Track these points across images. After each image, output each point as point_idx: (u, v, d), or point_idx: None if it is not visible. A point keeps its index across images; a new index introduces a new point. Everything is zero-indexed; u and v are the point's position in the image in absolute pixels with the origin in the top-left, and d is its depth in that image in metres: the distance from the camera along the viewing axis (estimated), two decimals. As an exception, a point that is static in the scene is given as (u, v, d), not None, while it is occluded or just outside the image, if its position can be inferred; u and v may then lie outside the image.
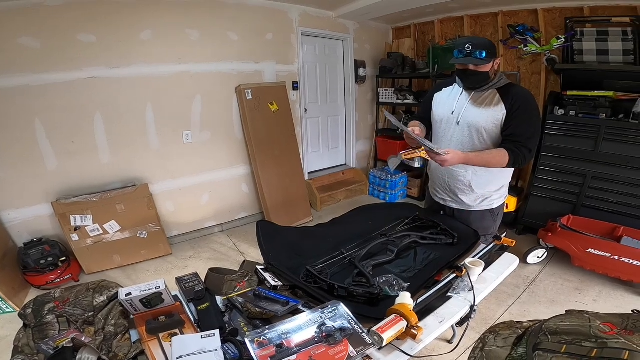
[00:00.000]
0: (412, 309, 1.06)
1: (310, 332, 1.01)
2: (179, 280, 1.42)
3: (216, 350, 0.97)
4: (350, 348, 0.96)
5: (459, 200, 1.76)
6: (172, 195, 3.32)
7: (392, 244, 1.52)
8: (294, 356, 0.92)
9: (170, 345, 1.02)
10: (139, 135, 3.05)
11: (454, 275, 1.32)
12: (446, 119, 1.67)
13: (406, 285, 1.25)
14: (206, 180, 3.47)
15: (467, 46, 1.46)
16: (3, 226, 2.71)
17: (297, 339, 0.98)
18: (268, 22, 3.52)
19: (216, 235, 3.57)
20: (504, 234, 1.67)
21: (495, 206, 1.75)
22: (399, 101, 4.35)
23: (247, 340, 0.96)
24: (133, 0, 2.80)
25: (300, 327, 1.03)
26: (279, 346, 0.95)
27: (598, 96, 2.84)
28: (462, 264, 1.36)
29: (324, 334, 1.00)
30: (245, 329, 1.13)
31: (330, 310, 1.09)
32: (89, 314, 1.19)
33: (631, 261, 2.37)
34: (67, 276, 2.76)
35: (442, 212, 1.88)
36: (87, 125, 2.83)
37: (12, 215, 2.74)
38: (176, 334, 1.10)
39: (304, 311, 1.17)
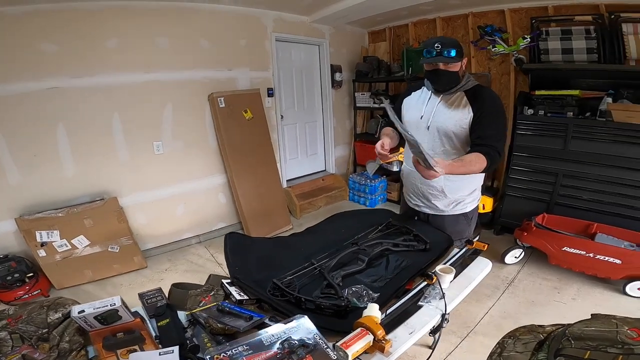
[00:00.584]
0: (379, 321, 1.01)
1: (273, 348, 0.95)
2: (141, 296, 1.36)
3: None
4: (314, 365, 0.91)
5: (432, 205, 1.74)
6: (144, 208, 3.20)
7: (363, 252, 1.47)
8: None
9: (128, 361, 0.97)
10: (106, 147, 2.93)
11: (425, 283, 1.28)
12: (415, 124, 1.65)
13: (376, 295, 1.20)
14: (180, 191, 3.37)
15: (436, 45, 1.45)
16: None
17: (259, 355, 0.92)
18: (241, 28, 3.46)
19: (194, 247, 3.46)
20: (477, 237, 1.65)
21: (468, 210, 1.74)
22: (376, 105, 4.34)
23: (206, 357, 0.90)
24: (98, 7, 2.71)
25: (263, 342, 0.96)
26: None
27: (565, 95, 2.88)
28: (432, 271, 1.32)
29: (287, 350, 0.94)
30: (209, 344, 1.07)
31: (295, 324, 1.04)
32: (43, 331, 1.14)
33: (606, 258, 2.38)
34: (36, 292, 2.64)
35: (416, 218, 1.86)
36: (49, 137, 2.71)
37: (-27, 232, 2.59)
38: (135, 350, 1.05)
39: (270, 325, 1.12)
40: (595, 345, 0.53)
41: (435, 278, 1.26)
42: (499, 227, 3.38)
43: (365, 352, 0.98)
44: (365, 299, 1.19)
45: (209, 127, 3.40)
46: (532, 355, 0.60)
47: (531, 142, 3.01)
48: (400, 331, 1.10)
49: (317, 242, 1.67)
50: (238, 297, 1.25)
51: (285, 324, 1.03)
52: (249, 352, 0.92)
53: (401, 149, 2.08)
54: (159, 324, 1.15)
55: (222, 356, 0.89)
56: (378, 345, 0.98)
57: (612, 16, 2.72)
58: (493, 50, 3.51)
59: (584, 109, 2.82)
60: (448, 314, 1.18)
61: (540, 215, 2.88)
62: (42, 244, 2.65)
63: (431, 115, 1.59)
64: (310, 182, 4.44)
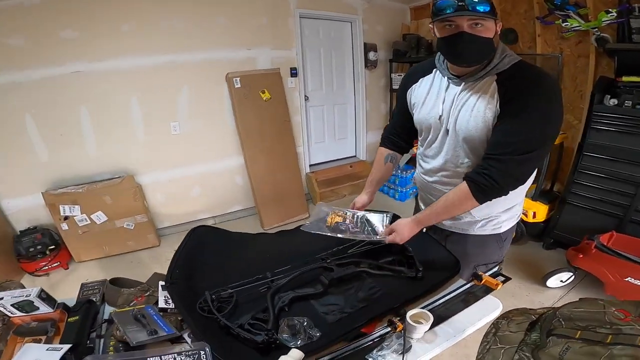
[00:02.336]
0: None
1: None
2: (82, 286, 1.29)
3: None
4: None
5: (453, 222, 1.29)
6: (161, 187, 3.20)
7: (327, 272, 1.16)
8: None
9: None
10: (125, 127, 2.95)
11: (389, 329, 0.94)
12: (433, 127, 1.15)
13: (317, 335, 0.92)
14: (197, 171, 3.31)
15: None
16: (2, 214, 2.76)
17: None
18: (262, 4, 3.20)
19: (208, 228, 3.43)
20: (495, 268, 1.20)
21: (502, 230, 1.26)
22: (415, 87, 3.85)
23: None
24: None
25: None
26: None
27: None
28: (401, 314, 0.95)
29: None
30: (111, 349, 0.96)
31: (190, 353, 0.83)
32: None
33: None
34: (56, 264, 2.78)
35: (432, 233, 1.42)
36: (74, 118, 2.80)
37: (12, 204, 2.79)
38: (40, 341, 1.04)
39: (186, 342, 0.98)
40: (585, 325, 0.55)
41: (400, 326, 0.91)
42: (551, 240, 2.76)
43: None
44: (301, 337, 0.92)
45: (226, 108, 3.26)
46: (525, 335, 0.61)
47: (610, 140, 2.32)
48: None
49: (287, 250, 1.41)
50: (162, 304, 1.08)
51: (178, 352, 0.84)
52: None
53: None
54: (68, 319, 1.07)
55: None
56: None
57: None
58: (564, 25, 2.79)
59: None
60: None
61: (607, 234, 2.21)
62: (65, 218, 2.75)
63: (449, 116, 1.08)
64: (336, 168, 4.14)
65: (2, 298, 1.04)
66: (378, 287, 1.12)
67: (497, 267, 1.22)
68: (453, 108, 1.07)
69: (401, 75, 3.95)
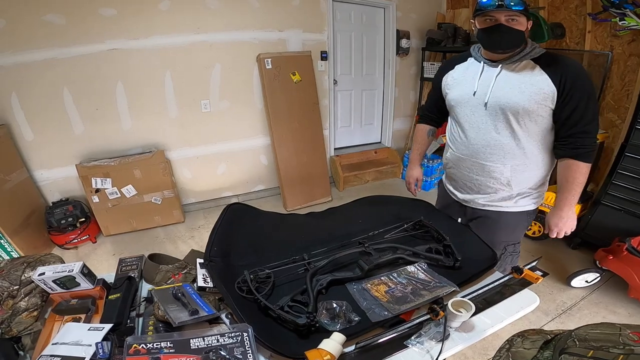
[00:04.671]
0: (330, 358, 0.74)
1: (198, 354, 0.78)
2: (120, 262, 1.25)
3: (90, 345, 0.82)
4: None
5: (489, 200, 1.37)
6: (189, 163, 3.23)
7: (366, 257, 1.13)
8: None
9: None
10: (158, 103, 2.97)
11: (428, 317, 0.91)
12: (467, 103, 1.30)
13: (356, 320, 0.90)
14: (224, 149, 3.32)
15: None
16: (34, 185, 2.82)
17: (178, 357, 0.77)
18: (294, -14, 3.12)
19: (232, 207, 3.47)
20: (535, 262, 1.15)
21: (532, 208, 1.37)
22: (447, 76, 3.70)
23: (127, 342, 0.79)
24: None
25: (190, 345, 0.80)
26: (155, 359, 0.76)
27: None
28: (444, 304, 0.92)
29: None
30: (150, 330, 0.93)
31: (233, 335, 0.83)
32: (14, 288, 1.07)
33: None
34: (85, 237, 2.81)
35: (461, 217, 1.49)
36: (109, 93, 2.83)
37: (45, 175, 2.85)
38: (79, 320, 0.98)
39: (225, 323, 0.95)
40: (599, 346, 0.54)
41: (442, 314, 0.88)
42: (579, 240, 2.66)
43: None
44: (341, 321, 0.91)
45: (256, 89, 3.22)
46: (538, 352, 0.61)
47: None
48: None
49: (320, 232, 1.39)
50: (201, 283, 1.06)
51: (221, 333, 0.83)
52: (170, 350, 0.78)
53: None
54: (109, 297, 1.03)
55: (141, 347, 0.79)
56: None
57: None
58: (621, 23, 2.61)
59: None
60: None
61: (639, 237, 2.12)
62: (97, 190, 2.80)
63: (489, 90, 1.22)
64: (360, 153, 4.07)
65: (43, 273, 1.01)
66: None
67: (534, 262, 1.17)
68: (494, 86, 1.21)
69: (434, 64, 3.85)
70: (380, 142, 4.35)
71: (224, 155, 3.35)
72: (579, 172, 1.19)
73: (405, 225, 1.35)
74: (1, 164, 2.49)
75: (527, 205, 1.35)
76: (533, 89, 1.15)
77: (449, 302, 0.89)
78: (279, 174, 3.33)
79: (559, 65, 1.14)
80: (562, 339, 0.61)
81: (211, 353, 0.78)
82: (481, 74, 1.26)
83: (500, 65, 1.21)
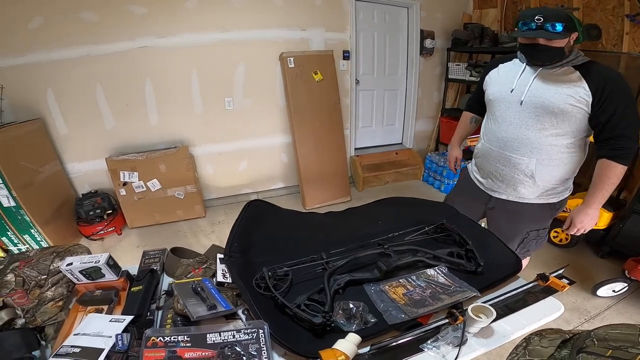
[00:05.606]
0: (344, 359, 0.73)
1: (213, 348, 0.78)
2: (143, 254, 1.27)
3: (110, 337, 0.83)
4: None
5: (514, 191, 1.46)
6: (212, 159, 3.29)
7: (385, 258, 1.11)
8: None
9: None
10: (184, 100, 3.04)
11: (445, 321, 0.88)
12: (504, 99, 1.38)
13: (372, 321, 0.88)
14: (245, 146, 3.37)
15: (537, 18, 1.16)
16: (66, 177, 2.95)
17: (194, 351, 0.77)
18: (316, -15, 3.11)
19: (251, 204, 3.50)
20: (561, 270, 1.10)
21: (556, 200, 1.44)
22: (473, 78, 3.59)
23: (145, 334, 0.80)
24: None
25: (206, 340, 0.80)
26: (172, 352, 0.76)
27: None
28: (463, 308, 0.89)
29: (222, 357, 0.76)
30: (169, 322, 0.93)
31: (249, 331, 0.83)
32: (42, 277, 1.10)
33: None
34: (111, 229, 2.90)
35: (484, 205, 1.57)
36: (139, 90, 2.92)
37: (76, 167, 2.98)
38: (101, 310, 1.00)
39: (241, 319, 0.95)
40: (618, 345, 0.54)
41: (460, 319, 0.85)
42: (607, 249, 2.53)
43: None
44: (357, 322, 0.89)
45: (278, 87, 3.24)
46: (555, 351, 0.60)
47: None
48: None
49: (340, 231, 1.38)
50: (220, 279, 1.06)
51: (237, 329, 0.83)
52: (187, 344, 0.79)
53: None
54: (131, 289, 1.05)
55: (159, 340, 0.80)
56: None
57: None
58: None
59: None
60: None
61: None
62: (124, 184, 2.90)
63: (527, 89, 1.30)
64: (381, 153, 4.02)
65: (71, 263, 1.03)
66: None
67: (561, 270, 1.12)
68: (532, 85, 1.29)
69: (459, 65, 3.78)
70: (401, 143, 4.28)
71: (246, 152, 3.39)
72: (613, 172, 1.24)
73: (427, 228, 1.31)
74: (36, 156, 2.61)
75: (549, 198, 1.42)
76: (569, 92, 1.21)
77: (469, 307, 0.86)
78: (299, 172, 3.33)
79: (598, 74, 1.18)
80: (580, 338, 0.60)
81: (227, 348, 0.78)
82: (521, 74, 1.33)
83: (540, 68, 1.27)
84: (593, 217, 1.33)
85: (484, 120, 1.57)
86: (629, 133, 1.20)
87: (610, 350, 0.53)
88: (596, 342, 0.57)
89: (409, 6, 3.61)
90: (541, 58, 1.25)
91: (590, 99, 1.19)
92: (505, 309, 0.97)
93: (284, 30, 3.11)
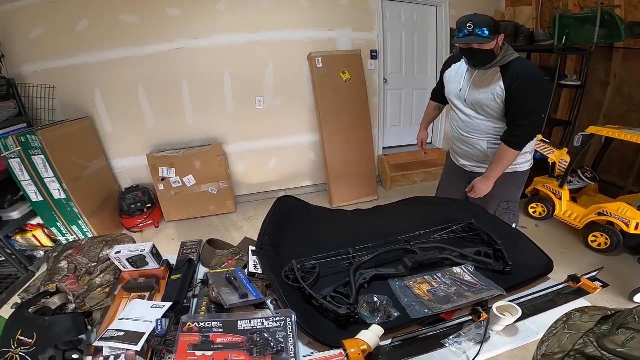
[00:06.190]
0: (370, 349, 0.75)
1: (243, 335, 0.82)
2: (182, 245, 1.37)
3: (151, 321, 0.88)
4: (268, 368, 0.73)
5: (476, 164, 1.73)
6: (243, 156, 3.39)
7: (411, 255, 1.11)
8: (211, 352, 0.78)
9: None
10: (217, 99, 3.15)
11: (469, 318, 0.88)
12: (456, 97, 1.66)
13: (395, 315, 0.90)
14: (275, 144, 3.43)
15: (468, 25, 1.39)
16: (111, 172, 3.15)
17: (226, 336, 0.82)
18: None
19: (279, 200, 3.56)
20: (595, 273, 1.07)
21: (519, 170, 1.67)
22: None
23: (182, 320, 0.86)
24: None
25: (237, 327, 0.84)
26: (205, 337, 0.81)
27: None
28: (488, 306, 0.88)
29: (252, 342, 0.80)
30: (203, 310, 0.99)
31: (277, 320, 0.87)
32: (92, 265, 1.19)
33: None
34: (150, 222, 3.06)
35: (464, 180, 1.77)
36: (176, 90, 3.06)
37: (120, 163, 3.17)
38: (144, 297, 1.07)
39: (269, 308, 0.99)
40: None
41: (484, 316, 0.85)
42: (648, 255, 2.39)
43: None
44: (380, 314, 0.91)
45: (307, 87, 3.28)
46: (595, 326, 0.60)
47: None
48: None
49: (368, 228, 1.39)
50: (251, 269, 1.12)
51: (266, 317, 0.87)
52: (219, 330, 0.84)
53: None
54: (171, 277, 1.12)
55: (194, 325, 0.84)
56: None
57: None
58: None
59: None
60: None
61: None
62: (163, 179, 3.05)
63: (467, 90, 1.58)
64: (409, 153, 3.96)
65: (120, 251, 1.09)
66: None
67: (595, 272, 1.08)
68: (470, 87, 1.57)
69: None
70: (430, 143, 4.20)
71: (275, 150, 3.46)
72: (506, 154, 1.51)
73: (455, 227, 1.30)
74: (84, 152, 2.80)
75: (512, 169, 1.63)
76: (492, 90, 1.48)
77: (494, 305, 0.85)
78: (327, 170, 3.36)
79: (513, 73, 1.42)
80: (622, 315, 0.60)
81: (255, 335, 0.82)
82: (465, 75, 1.60)
83: (476, 71, 1.54)
84: (488, 187, 1.60)
85: (449, 110, 1.82)
86: (525, 124, 1.44)
87: None
88: (637, 319, 0.56)
89: (438, 5, 3.54)
90: (477, 60, 1.48)
91: (503, 94, 1.45)
92: (532, 309, 0.95)
93: (311, 31, 3.14)
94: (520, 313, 0.84)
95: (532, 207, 2.95)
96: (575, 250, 2.53)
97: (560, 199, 2.72)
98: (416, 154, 3.98)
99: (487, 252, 1.16)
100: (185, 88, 3.05)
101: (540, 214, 2.90)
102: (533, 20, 3.56)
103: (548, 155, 2.81)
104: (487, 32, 1.37)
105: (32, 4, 2.60)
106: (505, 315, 0.83)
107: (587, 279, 1.03)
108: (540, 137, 2.78)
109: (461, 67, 1.64)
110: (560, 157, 2.77)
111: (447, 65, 1.75)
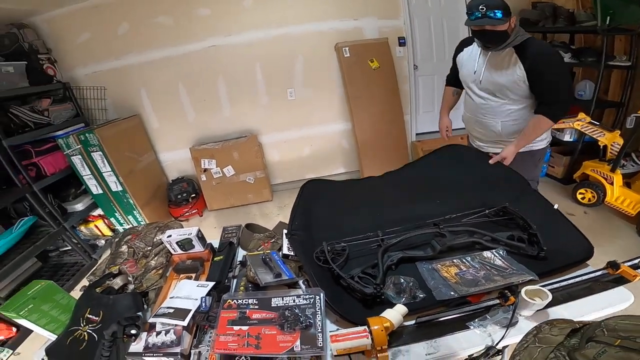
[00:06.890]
0: (394, 326, 0.77)
1: (276, 311, 0.88)
2: (223, 230, 1.46)
3: (196, 299, 0.96)
4: (298, 343, 0.79)
5: (491, 144, 1.76)
6: (277, 146, 3.47)
7: (439, 238, 1.10)
8: (247, 327, 0.85)
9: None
10: (250, 93, 3.23)
11: (497, 302, 0.86)
12: (471, 79, 1.66)
13: (421, 296, 0.91)
14: (308, 134, 3.47)
15: (480, 7, 1.36)
16: (160, 165, 3.37)
17: (260, 312, 0.89)
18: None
19: (314, 188, 3.62)
20: (636, 260, 0.98)
21: (535, 148, 1.68)
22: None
23: (223, 297, 0.94)
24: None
25: (271, 304, 0.91)
26: (242, 313, 0.89)
27: None
28: (517, 291, 0.85)
29: (283, 318, 0.86)
30: (241, 289, 1.07)
31: (307, 297, 0.91)
32: (148, 249, 1.31)
33: None
34: (194, 211, 3.24)
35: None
36: (213, 86, 3.18)
37: (167, 157, 3.38)
38: (190, 277, 1.15)
39: (301, 287, 1.03)
40: (627, 336, 0.55)
41: (512, 299, 0.83)
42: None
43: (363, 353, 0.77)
44: (405, 295, 0.93)
45: (336, 76, 3.26)
46: (565, 339, 0.61)
47: None
48: (417, 348, 0.80)
49: (397, 211, 1.38)
50: (285, 251, 1.18)
51: (297, 295, 0.93)
52: (255, 306, 0.90)
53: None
54: (214, 259, 1.20)
55: (233, 302, 0.92)
56: (375, 354, 0.75)
57: None
58: None
59: None
60: (498, 350, 0.79)
61: None
62: (204, 170, 3.22)
63: (482, 71, 1.58)
64: (443, 139, 3.82)
65: (170, 235, 1.19)
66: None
67: (637, 260, 0.99)
68: (485, 67, 1.56)
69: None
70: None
71: (308, 139, 3.51)
72: (542, 125, 1.53)
73: (487, 211, 1.24)
74: (136, 147, 3.02)
75: (528, 147, 1.64)
76: (510, 72, 1.48)
77: (523, 289, 0.83)
78: (359, 157, 3.36)
79: (530, 53, 1.42)
80: (590, 328, 0.61)
81: (287, 311, 0.87)
82: (478, 58, 1.59)
83: (489, 53, 1.53)
84: (514, 153, 1.59)
85: (464, 92, 1.83)
86: (560, 98, 1.46)
87: (619, 340, 0.54)
88: (606, 332, 0.58)
89: (465, -12, 3.32)
90: (490, 41, 1.47)
91: (524, 75, 1.45)
92: (566, 295, 0.91)
93: (337, 21, 3.10)
94: (550, 297, 0.81)
95: (580, 193, 2.73)
96: (626, 239, 2.31)
97: (612, 184, 2.51)
98: (451, 139, 3.82)
99: (520, 236, 1.10)
100: (220, 83, 3.17)
101: (589, 200, 2.68)
102: (573, 0, 3.26)
103: (598, 138, 2.59)
104: (500, 14, 1.35)
105: (76, 10, 2.79)
106: (535, 300, 0.81)
107: (629, 266, 0.96)
108: (588, 119, 2.58)
109: (473, 49, 1.63)
110: (612, 140, 2.54)
111: (459, 49, 1.74)
